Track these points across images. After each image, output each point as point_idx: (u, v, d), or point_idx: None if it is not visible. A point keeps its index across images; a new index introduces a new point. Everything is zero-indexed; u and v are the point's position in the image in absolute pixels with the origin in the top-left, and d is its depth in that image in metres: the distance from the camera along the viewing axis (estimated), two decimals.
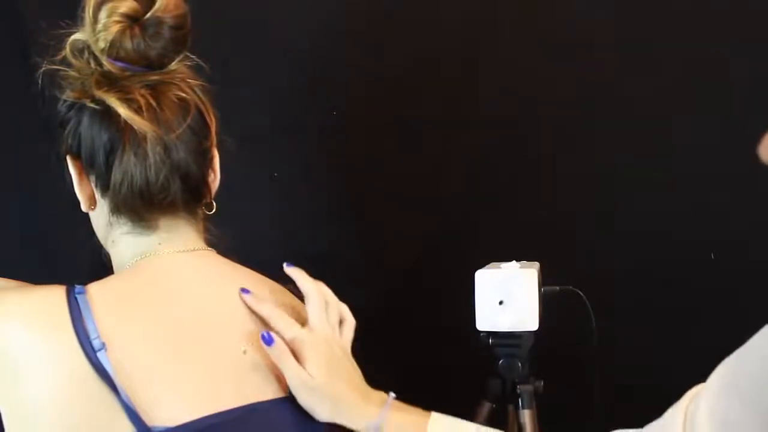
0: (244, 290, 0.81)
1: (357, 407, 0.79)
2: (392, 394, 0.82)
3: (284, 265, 0.85)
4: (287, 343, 0.79)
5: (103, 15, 0.78)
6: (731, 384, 0.62)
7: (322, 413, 0.79)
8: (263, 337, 0.77)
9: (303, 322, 0.83)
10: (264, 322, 0.81)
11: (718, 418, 0.61)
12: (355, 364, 0.84)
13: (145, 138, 0.77)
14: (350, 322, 0.86)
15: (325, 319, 0.83)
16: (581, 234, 1.39)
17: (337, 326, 0.84)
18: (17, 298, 0.71)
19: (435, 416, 0.82)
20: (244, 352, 0.78)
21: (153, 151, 0.78)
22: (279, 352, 0.78)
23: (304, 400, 0.78)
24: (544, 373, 1.17)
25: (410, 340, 1.39)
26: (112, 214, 0.81)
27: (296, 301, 0.90)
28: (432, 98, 1.42)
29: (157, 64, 0.81)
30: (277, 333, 0.79)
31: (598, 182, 1.39)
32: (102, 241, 0.86)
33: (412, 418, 0.81)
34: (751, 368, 0.60)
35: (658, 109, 1.36)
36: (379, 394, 0.83)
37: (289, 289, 0.91)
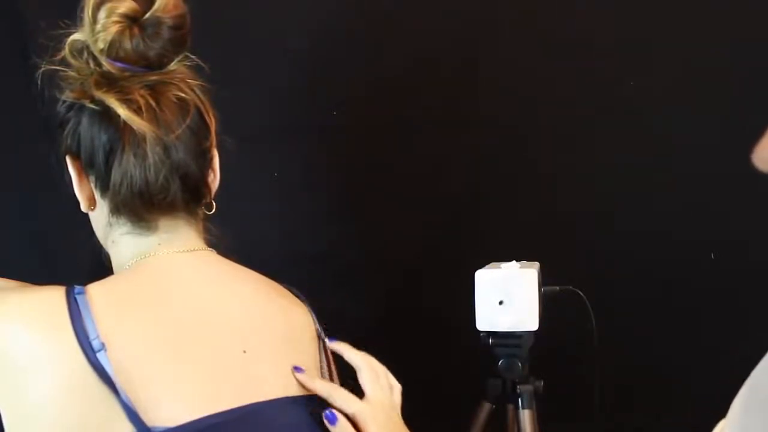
0: (297, 368, 0.81)
1: None
2: None
3: (327, 341, 0.87)
4: (349, 417, 0.79)
5: (102, 15, 0.78)
6: (751, 401, 0.62)
7: None
8: (326, 416, 0.78)
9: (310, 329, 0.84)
10: (275, 328, 0.82)
11: None
12: (407, 428, 0.85)
13: (144, 138, 0.77)
14: (398, 388, 0.87)
15: (379, 388, 0.84)
16: (581, 234, 1.39)
17: (388, 392, 0.85)
18: (17, 299, 0.71)
19: None
20: (244, 352, 0.78)
21: (152, 151, 0.78)
22: (342, 428, 0.78)
23: None
24: (544, 373, 1.17)
25: (410, 340, 1.39)
26: (112, 215, 0.81)
27: (297, 301, 0.90)
28: (432, 98, 1.42)
29: (157, 64, 0.81)
30: (338, 409, 0.79)
31: (598, 182, 1.39)
32: (102, 242, 0.86)
33: None
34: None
35: (658, 109, 1.36)
36: None
37: (289, 289, 0.91)
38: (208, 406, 0.72)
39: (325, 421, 0.78)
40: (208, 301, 0.80)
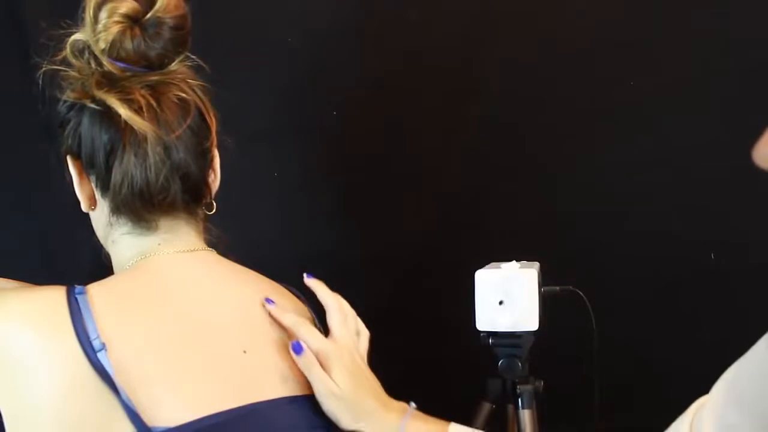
0: (268, 300, 0.83)
1: (379, 416, 0.81)
2: (413, 404, 0.84)
3: (305, 275, 0.88)
4: (313, 353, 0.80)
5: (103, 15, 0.78)
6: (731, 390, 0.62)
7: (346, 421, 0.80)
8: (293, 346, 0.79)
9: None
10: (275, 329, 0.82)
11: (721, 423, 0.62)
12: (372, 374, 0.85)
13: (145, 138, 0.77)
14: (366, 334, 0.88)
15: (346, 330, 0.85)
16: (581, 234, 1.39)
17: (356, 337, 0.86)
18: (18, 299, 0.71)
19: (454, 426, 0.83)
20: (245, 352, 0.78)
21: (153, 151, 0.78)
22: (307, 362, 0.79)
23: (330, 408, 0.80)
24: (544, 373, 1.17)
25: (410, 341, 1.39)
26: (113, 215, 0.81)
27: (297, 301, 0.90)
28: (432, 98, 1.42)
29: (158, 64, 0.81)
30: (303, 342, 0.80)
31: (598, 182, 1.39)
32: (102, 241, 0.86)
33: (432, 428, 0.83)
34: (749, 373, 0.61)
35: (658, 109, 1.36)
36: (400, 404, 0.84)
37: (289, 289, 0.91)
38: (209, 406, 0.72)
39: (291, 351, 0.79)
40: (208, 301, 0.80)
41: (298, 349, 0.79)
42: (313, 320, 0.89)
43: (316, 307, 0.90)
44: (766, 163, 0.54)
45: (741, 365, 0.63)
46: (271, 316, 0.82)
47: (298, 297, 0.91)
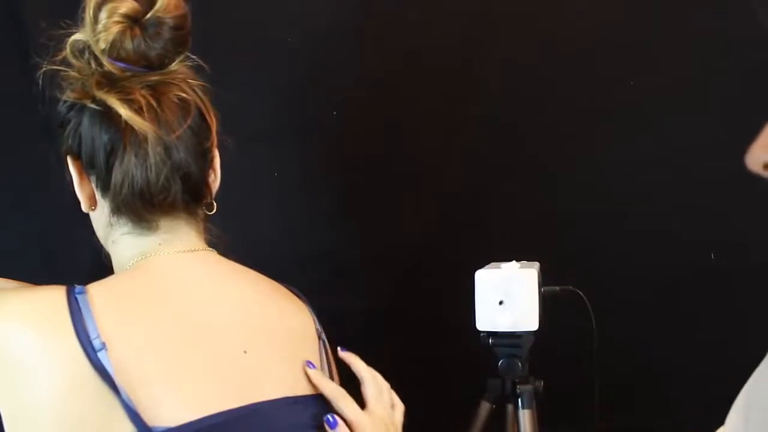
0: (309, 364, 0.83)
1: None
2: None
3: (339, 349, 0.89)
4: (348, 424, 0.80)
5: (103, 15, 0.78)
6: (749, 420, 0.62)
7: None
8: (327, 420, 0.79)
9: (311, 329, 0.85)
10: (275, 329, 0.82)
11: None
12: None
13: (145, 138, 0.77)
14: (400, 408, 0.88)
15: (381, 403, 0.85)
16: (581, 234, 1.39)
17: (390, 410, 0.86)
18: (18, 299, 0.71)
19: None
20: (245, 352, 0.78)
21: (153, 151, 0.78)
22: None
23: None
24: (544, 373, 1.17)
25: (410, 341, 1.39)
26: (113, 215, 0.81)
27: (297, 301, 0.90)
28: (432, 98, 1.42)
29: (158, 64, 0.81)
30: (339, 412, 0.80)
31: (598, 182, 1.39)
32: (102, 242, 0.86)
33: None
34: (762, 398, 0.60)
35: (658, 109, 1.36)
36: None
37: (289, 289, 0.91)
38: (209, 406, 0.72)
39: (326, 425, 0.79)
40: (208, 301, 0.80)
41: (332, 424, 0.79)
42: (314, 320, 0.89)
43: (317, 307, 0.91)
44: (758, 167, 0.54)
45: (750, 391, 0.63)
46: (310, 380, 0.82)
47: (298, 297, 0.91)
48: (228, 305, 0.81)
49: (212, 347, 0.77)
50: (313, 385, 0.81)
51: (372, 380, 0.86)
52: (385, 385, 0.87)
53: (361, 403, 0.84)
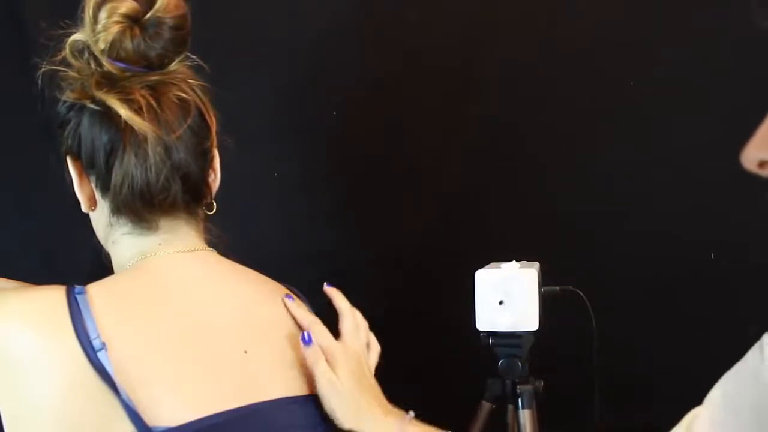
0: (288, 296, 0.86)
1: (378, 418, 0.81)
2: (411, 413, 0.85)
3: (325, 285, 0.90)
4: (322, 349, 0.81)
5: (103, 15, 0.78)
6: (727, 400, 0.62)
7: (345, 417, 0.80)
8: (303, 337, 0.81)
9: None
10: (275, 329, 0.83)
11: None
12: (376, 382, 0.86)
13: (145, 139, 0.77)
14: (376, 349, 0.90)
15: (356, 338, 0.86)
16: (581, 234, 1.39)
17: (365, 347, 0.88)
18: (18, 299, 0.71)
19: None
20: (245, 352, 0.78)
21: (153, 151, 0.78)
22: (314, 353, 0.81)
23: (331, 404, 0.80)
24: (544, 373, 1.17)
25: (410, 341, 1.39)
26: (113, 215, 0.81)
27: (297, 301, 0.90)
28: (432, 98, 1.42)
29: (157, 64, 0.81)
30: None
31: (598, 182, 1.39)
32: (102, 242, 0.86)
33: None
34: (744, 382, 0.61)
35: (658, 109, 1.36)
36: (399, 412, 0.85)
37: (289, 289, 0.91)
38: (209, 406, 0.72)
39: (300, 342, 0.81)
40: (208, 301, 0.80)
41: (307, 340, 0.81)
42: None
43: (317, 307, 0.91)
44: (753, 166, 0.55)
45: (735, 373, 0.63)
46: (288, 310, 0.84)
47: (298, 296, 0.91)
48: (228, 305, 0.81)
49: (212, 347, 0.77)
50: (313, 384, 0.81)
51: (351, 316, 0.88)
52: (363, 324, 0.89)
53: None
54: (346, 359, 0.82)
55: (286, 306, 0.84)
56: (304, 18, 1.42)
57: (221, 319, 0.79)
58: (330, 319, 0.91)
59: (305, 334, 0.81)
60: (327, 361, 0.81)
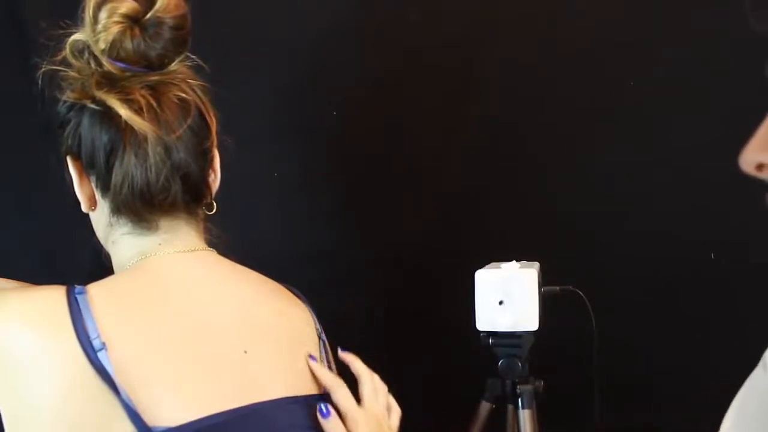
0: (311, 357, 0.83)
1: None
2: None
3: (339, 350, 0.88)
4: (341, 415, 0.80)
5: (103, 15, 0.78)
6: (740, 419, 0.62)
7: None
8: (320, 409, 0.79)
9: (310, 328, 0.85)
10: (275, 328, 0.83)
11: None
12: None
13: (145, 139, 0.77)
14: (397, 411, 0.88)
15: (376, 403, 0.85)
16: (581, 234, 1.39)
17: (385, 411, 0.86)
18: (18, 299, 0.71)
19: None
20: (245, 352, 0.78)
21: (153, 151, 0.78)
22: (333, 425, 0.79)
23: None
24: (544, 373, 1.17)
25: (410, 341, 1.39)
26: (113, 215, 0.81)
27: (297, 301, 0.90)
28: (432, 98, 1.42)
29: (158, 64, 0.81)
30: (334, 403, 0.80)
31: (598, 182, 1.39)
32: (102, 242, 0.86)
33: None
34: (755, 399, 0.61)
35: (658, 109, 1.36)
36: None
37: (289, 289, 0.91)
38: (209, 406, 0.72)
39: (318, 414, 0.79)
40: (208, 301, 0.80)
41: (325, 413, 0.79)
42: (314, 320, 0.89)
43: (317, 307, 0.91)
44: (751, 168, 0.55)
45: (745, 392, 0.63)
46: (311, 370, 0.82)
47: (298, 297, 0.91)
48: (228, 305, 0.81)
49: (212, 347, 0.77)
50: (313, 384, 0.81)
51: (370, 380, 0.86)
52: (382, 387, 0.87)
53: (359, 401, 0.84)
54: (366, 423, 0.81)
55: (310, 367, 0.83)
56: (304, 18, 1.42)
57: (221, 319, 0.79)
58: (335, 325, 0.91)
59: (322, 406, 0.79)
60: (348, 426, 0.80)
